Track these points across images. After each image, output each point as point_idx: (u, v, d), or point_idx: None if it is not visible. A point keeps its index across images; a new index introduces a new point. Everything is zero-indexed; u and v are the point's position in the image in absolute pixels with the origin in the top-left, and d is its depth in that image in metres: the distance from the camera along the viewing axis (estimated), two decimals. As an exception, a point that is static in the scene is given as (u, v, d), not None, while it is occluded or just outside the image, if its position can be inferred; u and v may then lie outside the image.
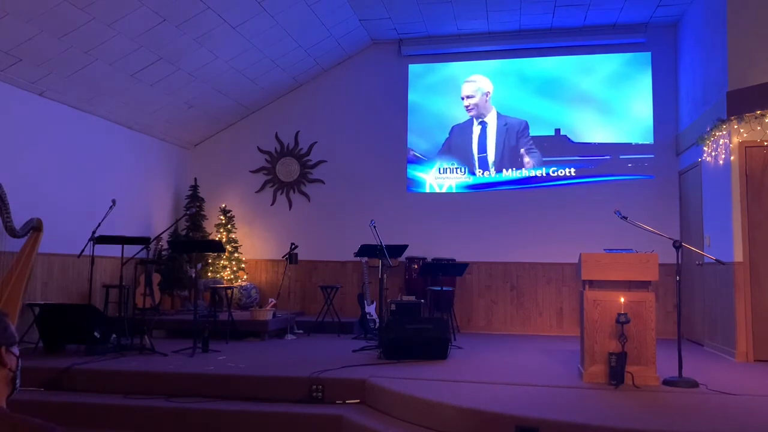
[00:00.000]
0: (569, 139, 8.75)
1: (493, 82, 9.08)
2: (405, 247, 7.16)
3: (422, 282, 8.17)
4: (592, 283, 4.91)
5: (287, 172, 9.58)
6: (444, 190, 9.06)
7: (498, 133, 8.94)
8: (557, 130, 8.80)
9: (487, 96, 9.03)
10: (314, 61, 9.11)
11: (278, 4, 7.35)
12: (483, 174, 8.92)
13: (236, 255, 9.20)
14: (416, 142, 9.21)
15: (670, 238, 5.15)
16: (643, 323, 4.70)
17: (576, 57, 8.87)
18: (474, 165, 8.95)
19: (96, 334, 6.04)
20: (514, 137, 8.89)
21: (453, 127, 9.12)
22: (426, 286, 7.95)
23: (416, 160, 9.17)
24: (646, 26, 8.53)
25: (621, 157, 8.61)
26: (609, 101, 8.73)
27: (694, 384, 4.60)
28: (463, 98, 9.11)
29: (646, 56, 8.67)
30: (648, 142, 8.55)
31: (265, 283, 9.43)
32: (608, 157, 8.64)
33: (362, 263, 8.09)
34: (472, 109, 9.04)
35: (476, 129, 9.00)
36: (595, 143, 8.70)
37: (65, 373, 5.10)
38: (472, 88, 9.10)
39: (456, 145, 9.06)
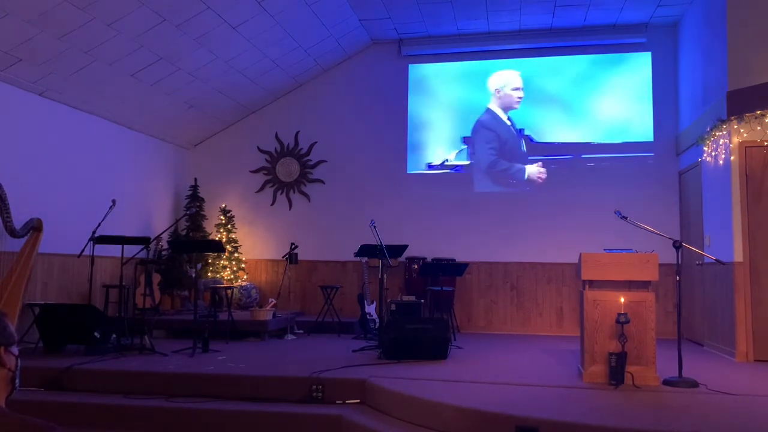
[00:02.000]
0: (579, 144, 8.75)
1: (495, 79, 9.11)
2: (405, 247, 7.16)
3: (422, 282, 8.17)
4: (592, 283, 4.91)
5: (287, 172, 9.58)
6: (444, 190, 9.05)
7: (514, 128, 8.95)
8: (521, 130, 8.80)
9: None
10: (314, 61, 9.11)
11: (278, 4, 7.35)
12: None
13: (236, 255, 9.20)
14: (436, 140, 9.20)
15: (670, 238, 5.15)
16: (643, 323, 4.70)
17: (577, 57, 8.87)
18: (526, 158, 8.85)
19: (96, 334, 6.03)
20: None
21: (476, 124, 9.01)
22: (426, 286, 7.95)
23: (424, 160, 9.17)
24: (646, 26, 8.53)
25: (621, 156, 8.60)
26: (609, 101, 8.72)
27: (694, 384, 4.60)
28: (516, 89, 8.94)
29: (646, 56, 8.67)
30: (648, 142, 8.55)
31: (265, 283, 9.43)
32: (608, 155, 8.64)
33: (362, 263, 8.09)
34: (519, 101, 8.93)
35: (507, 122, 8.92)
36: (594, 143, 8.70)
37: (65, 373, 5.10)
38: (521, 81, 9.00)
39: (505, 139, 8.90)
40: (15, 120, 6.62)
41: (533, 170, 8.80)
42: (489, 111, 9.00)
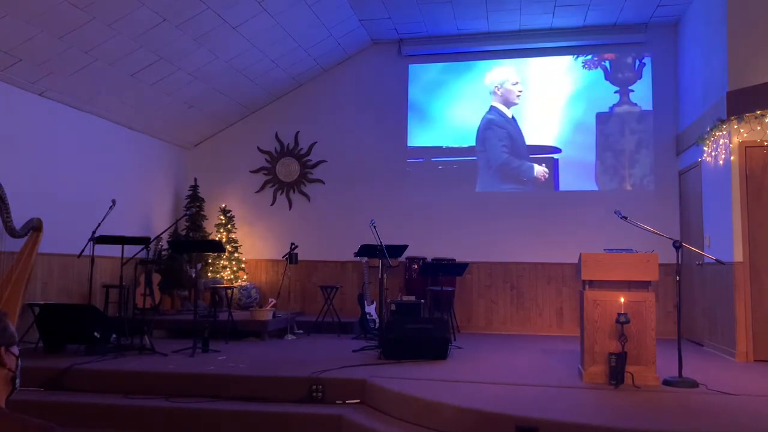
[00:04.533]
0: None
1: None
2: (405, 247, 7.16)
3: (422, 282, 8.16)
4: (592, 283, 4.91)
5: (287, 172, 9.58)
6: (444, 190, 9.05)
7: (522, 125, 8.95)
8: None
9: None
10: (314, 61, 9.11)
11: (278, 4, 7.35)
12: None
13: (236, 255, 9.20)
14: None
15: (670, 238, 5.15)
16: (643, 323, 4.70)
17: (576, 57, 8.86)
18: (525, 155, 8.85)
19: (96, 334, 6.04)
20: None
21: (484, 119, 8.99)
22: (426, 286, 7.95)
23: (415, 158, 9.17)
24: (646, 26, 8.53)
25: (621, 156, 8.60)
26: (608, 100, 8.72)
27: (694, 384, 4.61)
28: (515, 83, 8.93)
29: (646, 56, 8.67)
30: (648, 142, 8.54)
31: (265, 283, 9.43)
32: (608, 155, 8.63)
33: (362, 263, 8.09)
34: (519, 95, 8.93)
35: (511, 119, 8.91)
36: (594, 143, 8.69)
37: (65, 373, 5.10)
38: (518, 76, 8.99)
39: (513, 137, 8.88)
40: (15, 120, 6.62)
41: (538, 169, 8.80)
42: (494, 109, 8.99)
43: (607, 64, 8.78)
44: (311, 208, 9.47)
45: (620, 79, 8.73)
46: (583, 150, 8.71)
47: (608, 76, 8.76)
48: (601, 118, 8.71)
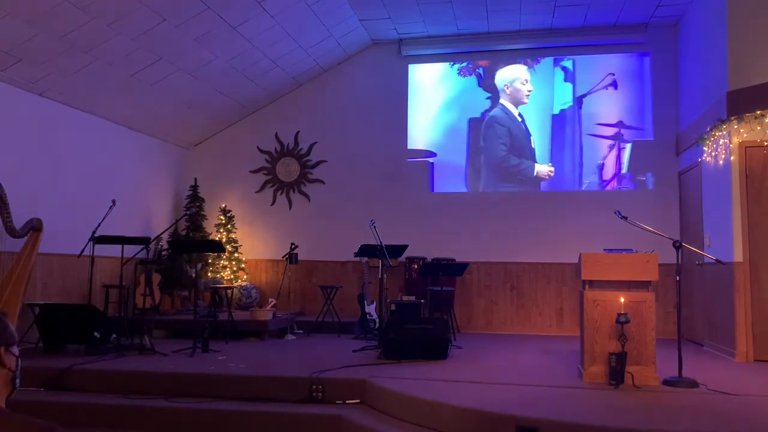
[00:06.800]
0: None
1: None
2: (405, 247, 7.16)
3: (422, 282, 8.16)
4: (592, 283, 4.91)
5: (287, 172, 9.58)
6: (444, 190, 9.05)
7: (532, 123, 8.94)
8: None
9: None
10: (314, 61, 9.11)
11: (278, 4, 7.35)
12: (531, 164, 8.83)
13: (236, 255, 9.20)
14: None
15: (670, 238, 5.15)
16: (643, 323, 4.70)
17: (576, 56, 8.86)
18: (534, 155, 8.82)
19: (96, 334, 6.04)
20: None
21: (487, 116, 8.97)
22: (426, 286, 7.94)
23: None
24: (646, 26, 8.53)
25: (621, 156, 8.60)
26: (608, 101, 8.72)
27: (694, 384, 4.61)
28: (524, 82, 8.92)
29: (646, 56, 8.67)
30: (648, 142, 8.55)
31: (265, 283, 9.43)
32: (608, 155, 8.63)
33: (362, 263, 8.09)
34: (528, 95, 8.93)
35: (518, 118, 8.90)
36: (595, 143, 8.69)
37: (65, 373, 5.10)
38: (529, 75, 8.97)
39: (515, 135, 8.86)
40: (15, 120, 6.62)
41: (543, 168, 8.78)
42: (501, 106, 9.00)
43: (480, 71, 9.02)
44: (311, 208, 9.47)
45: (493, 85, 8.97)
46: (455, 154, 9.04)
47: (481, 83, 9.05)
48: (473, 124, 9.03)
